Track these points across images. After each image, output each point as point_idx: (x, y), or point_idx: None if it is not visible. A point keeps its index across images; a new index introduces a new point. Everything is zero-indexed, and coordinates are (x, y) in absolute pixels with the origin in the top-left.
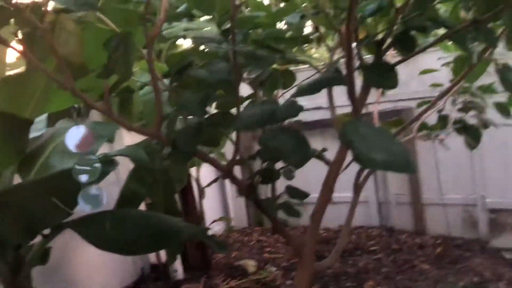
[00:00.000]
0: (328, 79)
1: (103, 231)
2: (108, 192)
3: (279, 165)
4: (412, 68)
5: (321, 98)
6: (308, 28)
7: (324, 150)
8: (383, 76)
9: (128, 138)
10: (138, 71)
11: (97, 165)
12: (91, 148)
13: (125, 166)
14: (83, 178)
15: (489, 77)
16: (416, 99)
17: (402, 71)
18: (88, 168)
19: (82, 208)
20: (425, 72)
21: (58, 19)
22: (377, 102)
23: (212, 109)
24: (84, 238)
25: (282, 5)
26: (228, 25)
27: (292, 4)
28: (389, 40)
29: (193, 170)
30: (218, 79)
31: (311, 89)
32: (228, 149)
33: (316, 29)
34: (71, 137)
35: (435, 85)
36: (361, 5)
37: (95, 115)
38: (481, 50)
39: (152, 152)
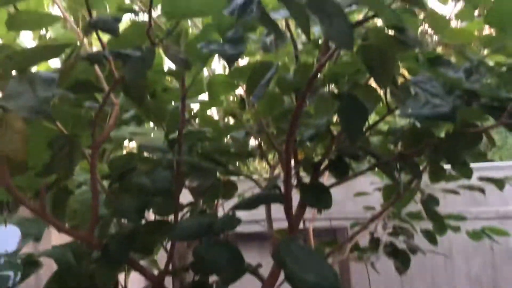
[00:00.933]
0: (266, 196)
1: None
2: None
3: (213, 277)
4: (347, 189)
5: (259, 210)
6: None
7: (259, 266)
8: (318, 197)
9: (56, 236)
10: (78, 169)
11: (19, 266)
12: (15, 247)
13: (49, 268)
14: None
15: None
16: (351, 219)
17: (338, 191)
18: (8, 269)
19: None
20: (359, 194)
21: (6, 117)
22: (313, 219)
23: (150, 214)
24: None
25: (230, 120)
26: (176, 135)
27: (239, 121)
28: (325, 163)
29: (121, 277)
30: (160, 188)
31: (249, 204)
32: (161, 256)
33: (259, 145)
34: None
35: (368, 208)
36: (301, 130)
37: (25, 210)
38: (408, 180)
39: (80, 255)
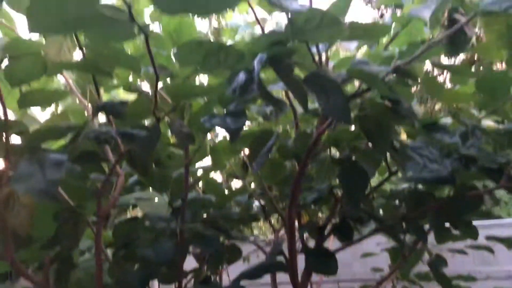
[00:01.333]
0: (270, 265)
1: None
2: None
3: None
4: (355, 250)
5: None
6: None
7: None
8: (323, 263)
9: None
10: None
11: None
12: None
13: None
14: None
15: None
16: (359, 280)
17: (345, 252)
18: None
19: None
20: (366, 255)
21: (15, 191)
22: (320, 282)
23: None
24: None
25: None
26: (179, 203)
27: (243, 186)
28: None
29: None
30: (163, 259)
31: (253, 274)
32: None
33: (263, 208)
34: None
35: (376, 270)
36: (304, 193)
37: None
38: (413, 242)
39: None
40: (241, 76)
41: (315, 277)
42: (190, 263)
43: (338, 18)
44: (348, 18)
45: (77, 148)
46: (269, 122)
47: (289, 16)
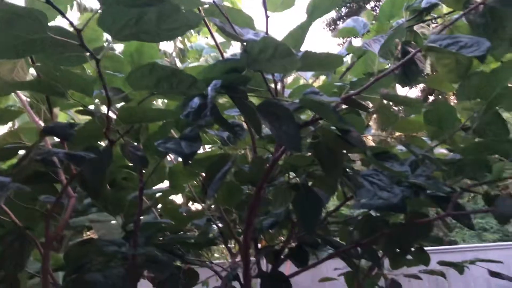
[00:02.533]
0: None
1: None
2: None
3: None
4: (314, 274)
5: None
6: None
7: None
8: (278, 287)
9: None
10: (31, 259)
11: None
12: None
13: None
14: None
15: None
16: None
17: (305, 276)
18: None
19: None
20: (324, 280)
21: None
22: None
23: None
24: None
25: (194, 205)
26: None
27: (202, 209)
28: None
29: None
30: (112, 285)
31: None
32: None
33: (221, 232)
34: None
35: None
36: (261, 218)
37: None
38: (368, 267)
39: None
40: (196, 101)
41: None
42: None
43: (290, 50)
44: (312, 44)
45: (27, 168)
46: (228, 147)
47: (244, 46)
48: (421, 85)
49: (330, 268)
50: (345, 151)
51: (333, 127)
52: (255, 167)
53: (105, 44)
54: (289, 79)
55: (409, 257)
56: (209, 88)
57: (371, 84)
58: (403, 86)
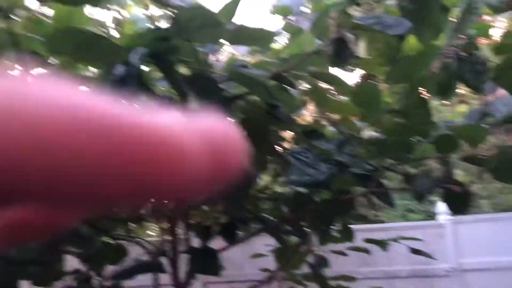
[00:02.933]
0: (145, 265)
1: None
2: None
3: None
4: (246, 251)
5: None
6: None
7: None
8: (207, 263)
9: None
10: None
11: None
12: None
13: None
14: None
15: None
16: (249, 281)
17: (237, 253)
18: None
19: None
20: (256, 256)
21: None
22: (207, 284)
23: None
24: None
25: None
26: None
27: None
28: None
29: None
30: (30, 258)
31: (128, 274)
32: None
33: (153, 209)
34: None
35: (264, 270)
36: None
37: None
38: (297, 243)
39: None
40: (120, 69)
41: (208, 278)
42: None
43: (219, 20)
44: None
45: None
46: None
47: (173, 13)
48: (362, 71)
49: (262, 246)
50: (275, 129)
51: (263, 103)
52: None
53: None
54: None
55: (336, 234)
56: (134, 56)
57: (300, 62)
58: (333, 67)
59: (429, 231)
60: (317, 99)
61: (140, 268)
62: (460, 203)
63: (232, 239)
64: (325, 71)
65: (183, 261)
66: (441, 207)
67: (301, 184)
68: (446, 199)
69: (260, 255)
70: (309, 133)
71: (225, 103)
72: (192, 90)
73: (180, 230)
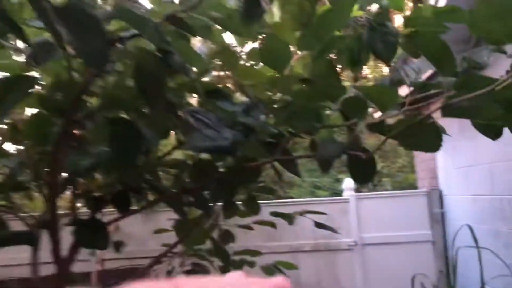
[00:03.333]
0: (14, 237)
1: None
2: None
3: None
4: (150, 226)
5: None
6: None
7: None
8: (93, 236)
9: None
10: None
11: None
12: None
13: None
14: None
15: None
16: (153, 257)
17: (140, 228)
18: None
19: None
20: (158, 231)
21: None
22: (99, 260)
23: None
24: None
25: None
26: None
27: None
28: None
29: None
30: None
31: None
32: None
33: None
34: None
35: (165, 245)
36: (77, 159)
37: None
38: (200, 215)
39: None
40: None
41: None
42: None
43: None
44: None
45: None
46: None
47: None
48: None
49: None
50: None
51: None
52: (63, 93)
53: None
54: None
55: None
56: None
57: (198, 2)
58: (244, 23)
59: (334, 206)
60: (228, 62)
61: (8, 240)
62: (364, 171)
63: (125, 208)
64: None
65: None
66: (347, 183)
67: (202, 149)
68: (350, 167)
69: (163, 230)
70: (212, 93)
71: (105, 44)
72: (66, 26)
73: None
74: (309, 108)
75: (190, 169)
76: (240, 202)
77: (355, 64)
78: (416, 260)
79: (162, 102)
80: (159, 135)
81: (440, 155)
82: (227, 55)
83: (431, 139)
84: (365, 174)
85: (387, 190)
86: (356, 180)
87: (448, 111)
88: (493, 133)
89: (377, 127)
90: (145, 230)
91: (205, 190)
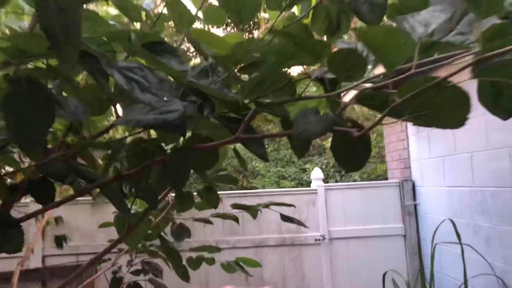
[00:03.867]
0: None
1: None
2: None
3: None
4: (98, 220)
5: None
6: None
7: None
8: (3, 235)
9: None
10: None
11: None
12: None
13: None
14: None
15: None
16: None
17: (87, 222)
18: None
19: None
20: (104, 225)
21: None
22: (24, 260)
23: None
24: None
25: None
26: None
27: None
28: None
29: None
30: None
31: None
32: None
33: None
34: None
35: (110, 241)
36: None
37: None
38: (144, 209)
39: None
40: None
41: (47, 251)
42: None
43: None
44: None
45: None
46: None
47: None
48: None
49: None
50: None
51: None
52: None
53: None
54: None
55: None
56: None
57: None
58: None
59: (302, 197)
60: (178, 18)
61: None
62: (355, 153)
63: (46, 198)
64: None
65: None
66: (315, 173)
67: (143, 125)
68: (335, 148)
69: (110, 224)
70: (154, 46)
71: None
72: None
73: None
74: (283, 74)
75: (128, 149)
76: (196, 193)
77: (333, 30)
78: (388, 255)
79: (76, 50)
80: (91, 107)
81: (412, 143)
82: (178, 10)
83: (454, 110)
84: (356, 158)
85: (355, 181)
86: (343, 165)
87: (483, 71)
88: (507, 112)
89: (372, 99)
90: (93, 223)
91: (147, 177)
